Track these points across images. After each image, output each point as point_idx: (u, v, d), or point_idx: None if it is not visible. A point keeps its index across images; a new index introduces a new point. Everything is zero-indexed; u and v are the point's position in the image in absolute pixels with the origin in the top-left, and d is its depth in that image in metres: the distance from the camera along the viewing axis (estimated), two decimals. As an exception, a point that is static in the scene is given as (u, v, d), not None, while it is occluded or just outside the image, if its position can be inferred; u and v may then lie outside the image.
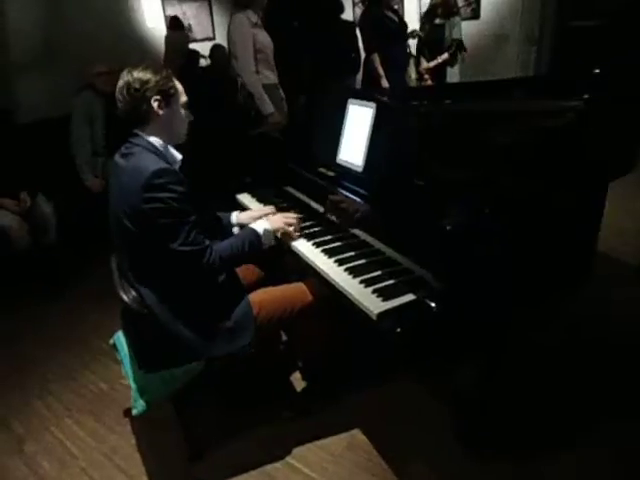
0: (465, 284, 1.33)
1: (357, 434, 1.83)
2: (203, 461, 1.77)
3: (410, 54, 4.89)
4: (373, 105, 1.67)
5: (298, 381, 2.08)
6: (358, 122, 1.74)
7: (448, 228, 1.30)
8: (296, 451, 1.78)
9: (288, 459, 1.76)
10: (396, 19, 3.91)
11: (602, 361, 2.08)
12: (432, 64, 4.92)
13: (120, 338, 1.82)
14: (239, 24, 3.23)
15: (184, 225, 1.46)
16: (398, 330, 1.30)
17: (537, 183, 1.55)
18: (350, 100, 1.78)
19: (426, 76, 4.96)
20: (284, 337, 2.16)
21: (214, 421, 1.93)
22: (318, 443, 1.80)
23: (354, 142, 1.76)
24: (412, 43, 4.93)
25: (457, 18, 4.96)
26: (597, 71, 2.31)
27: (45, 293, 3.05)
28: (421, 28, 5.18)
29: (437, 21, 5.00)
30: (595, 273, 2.57)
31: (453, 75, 5.03)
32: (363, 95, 1.76)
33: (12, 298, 3.01)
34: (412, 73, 4.80)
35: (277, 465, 1.74)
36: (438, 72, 4.97)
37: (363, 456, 1.74)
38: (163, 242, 1.44)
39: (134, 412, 1.57)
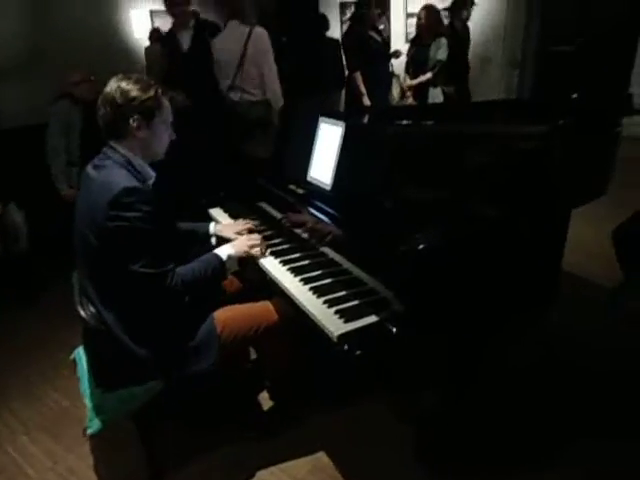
0: (426, 307, 1.32)
1: (321, 457, 1.79)
2: (163, 483, 1.72)
3: (393, 73, 4.95)
4: (342, 124, 1.67)
5: (266, 401, 2.04)
6: (328, 141, 1.74)
7: (413, 249, 1.30)
8: (259, 475, 1.74)
9: (250, 483, 1.72)
10: (379, 39, 3.97)
11: (574, 382, 2.08)
12: (414, 82, 5.00)
13: (80, 353, 1.77)
14: (267, 37, 3.21)
15: (148, 246, 1.43)
16: (358, 353, 1.29)
17: (504, 205, 1.56)
18: (321, 118, 1.79)
19: (408, 93, 5.04)
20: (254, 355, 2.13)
21: (176, 441, 1.88)
22: (282, 466, 1.77)
23: (324, 160, 1.76)
24: (395, 62, 4.99)
25: (443, 39, 5.05)
26: (574, 96, 2.36)
27: (14, 304, 2.99)
28: (409, 49, 5.26)
29: (424, 42, 5.08)
30: (568, 295, 2.60)
31: (436, 95, 5.11)
32: (334, 114, 1.77)
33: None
34: (395, 92, 4.85)
35: (238, 489, 1.70)
36: (420, 91, 5.04)
37: (327, 480, 1.71)
38: (125, 262, 1.41)
39: (89, 431, 1.52)
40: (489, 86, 6.24)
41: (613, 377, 2.10)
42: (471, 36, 5.64)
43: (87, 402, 1.58)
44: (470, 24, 5.69)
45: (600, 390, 2.03)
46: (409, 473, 1.68)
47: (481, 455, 1.73)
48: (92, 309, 1.50)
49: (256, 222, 2.05)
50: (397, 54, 4.72)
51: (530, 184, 1.67)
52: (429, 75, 4.98)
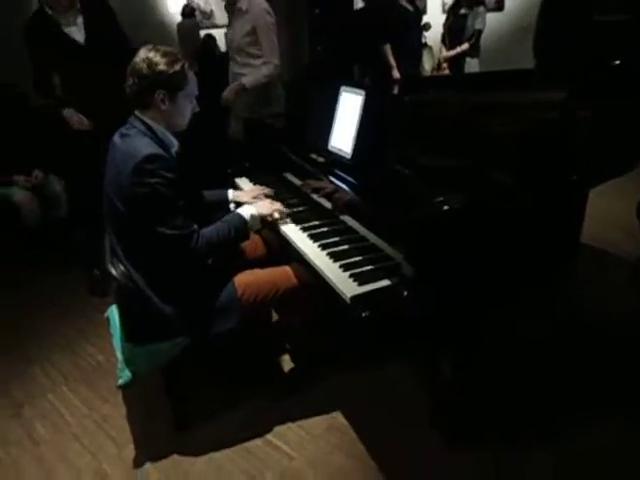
0: (436, 273, 1.34)
1: (337, 416, 1.86)
2: (188, 434, 1.83)
3: (425, 45, 4.83)
4: (363, 93, 1.68)
5: (286, 362, 2.13)
6: (349, 110, 1.75)
7: (422, 215, 1.32)
8: (277, 429, 1.83)
9: (268, 436, 1.80)
10: (411, 8, 3.87)
11: (585, 354, 2.09)
12: (451, 53, 4.87)
13: (113, 311, 1.89)
14: None
15: (171, 210, 1.50)
16: (369, 314, 1.33)
17: (526, 173, 1.54)
18: (343, 87, 1.80)
19: (444, 65, 4.93)
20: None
21: (202, 395, 1.99)
22: (299, 423, 1.85)
23: (345, 129, 1.77)
24: (428, 34, 4.87)
25: (481, 8, 4.88)
26: (616, 63, 2.26)
27: (53, 267, 3.17)
28: (447, 18, 5.12)
29: (462, 11, 4.94)
30: (593, 266, 2.56)
31: (473, 66, 4.97)
32: (356, 82, 1.77)
33: (22, 270, 3.16)
34: (426, 64, 4.73)
35: (257, 441, 1.79)
36: (457, 62, 4.92)
37: (341, 438, 1.78)
38: (150, 225, 1.49)
39: (119, 382, 1.64)
40: (530, 56, 6.00)
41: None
42: (506, 5, 5.44)
43: (118, 355, 1.70)
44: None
45: (610, 363, 2.03)
46: (423, 437, 1.73)
47: (495, 425, 1.76)
48: (122, 267, 1.59)
49: (279, 191, 2.11)
50: (426, 26, 4.60)
51: (554, 152, 1.64)
52: (466, 46, 4.84)
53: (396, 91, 3.04)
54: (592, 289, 2.53)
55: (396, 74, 3.76)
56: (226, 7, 2.95)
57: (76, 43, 2.55)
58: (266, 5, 2.83)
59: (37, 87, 2.66)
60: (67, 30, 2.53)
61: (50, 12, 2.50)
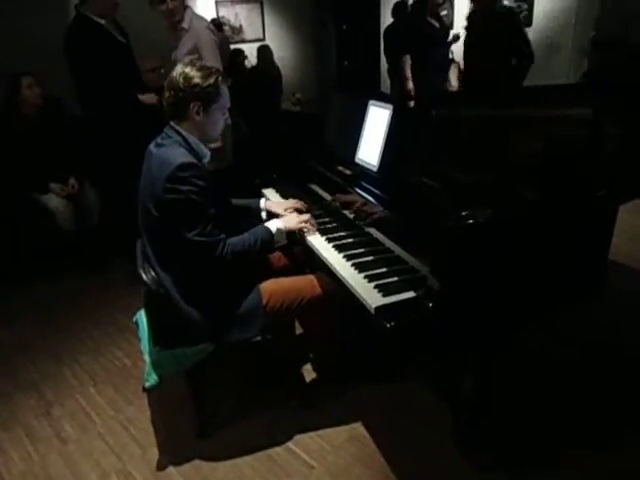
0: (460, 287, 1.35)
1: (358, 427, 1.87)
2: (209, 439, 1.86)
3: (452, 60, 4.83)
4: (390, 107, 1.71)
5: (308, 372, 2.14)
6: (376, 123, 1.79)
7: (448, 229, 1.32)
8: (298, 438, 1.84)
9: (290, 445, 1.82)
10: (437, 24, 3.89)
11: (608, 375, 2.05)
12: None
13: (142, 316, 1.94)
14: None
15: (201, 217, 1.55)
16: (394, 325, 1.34)
17: (552, 190, 1.54)
18: (371, 101, 1.83)
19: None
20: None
21: (225, 402, 2.02)
22: (320, 432, 1.86)
23: (372, 142, 1.81)
24: (455, 49, 4.88)
25: None
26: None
27: (84, 272, 3.28)
28: (467, 36, 5.13)
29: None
30: (620, 283, 2.52)
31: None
32: (383, 97, 1.81)
33: (55, 275, 3.26)
34: (452, 79, 4.74)
35: (278, 449, 1.80)
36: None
37: (362, 449, 1.78)
38: (180, 231, 1.54)
39: (146, 385, 1.68)
40: (556, 74, 5.95)
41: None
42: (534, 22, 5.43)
43: (146, 358, 1.74)
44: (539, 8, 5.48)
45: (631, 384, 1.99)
46: (444, 452, 1.72)
47: (518, 445, 1.74)
48: (152, 273, 1.65)
49: (305, 202, 2.14)
50: (456, 38, 4.59)
51: (581, 167, 1.64)
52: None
53: (411, 104, 3.04)
54: (619, 307, 2.48)
55: (410, 86, 3.74)
56: (170, 29, 2.97)
57: (122, 43, 2.84)
58: (208, 23, 2.93)
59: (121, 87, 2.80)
60: (111, 31, 2.78)
61: (93, 17, 2.70)
